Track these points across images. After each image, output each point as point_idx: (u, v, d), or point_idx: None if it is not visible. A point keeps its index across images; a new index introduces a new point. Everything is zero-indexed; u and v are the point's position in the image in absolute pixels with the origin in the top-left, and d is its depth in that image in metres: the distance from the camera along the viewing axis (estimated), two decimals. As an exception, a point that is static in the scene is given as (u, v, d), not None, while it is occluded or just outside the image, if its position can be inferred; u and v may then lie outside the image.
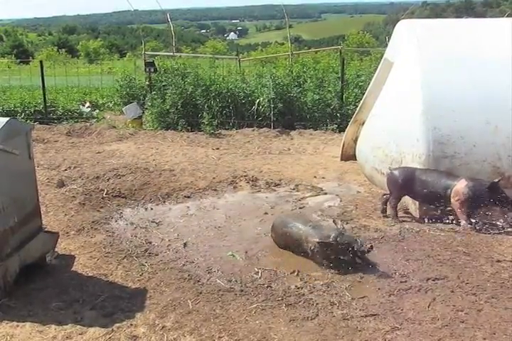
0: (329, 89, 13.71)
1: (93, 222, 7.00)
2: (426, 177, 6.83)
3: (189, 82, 13.54)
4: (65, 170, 9.26)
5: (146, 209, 7.66)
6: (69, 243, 6.29)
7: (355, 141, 9.44)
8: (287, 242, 6.14)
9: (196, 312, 4.83)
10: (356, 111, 10.04)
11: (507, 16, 14.37)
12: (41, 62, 15.18)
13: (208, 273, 5.62)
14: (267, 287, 5.32)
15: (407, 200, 7.33)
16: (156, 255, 6.07)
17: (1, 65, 32.74)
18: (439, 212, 6.87)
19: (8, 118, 5.09)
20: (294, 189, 8.43)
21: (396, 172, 7.08)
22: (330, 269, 5.63)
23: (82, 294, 5.12)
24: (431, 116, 7.07)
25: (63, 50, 60.29)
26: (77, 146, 11.31)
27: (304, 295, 5.15)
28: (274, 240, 6.36)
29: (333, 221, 6.22)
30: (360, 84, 13.56)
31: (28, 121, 13.40)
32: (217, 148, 11.17)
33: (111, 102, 16.88)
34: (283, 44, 46.09)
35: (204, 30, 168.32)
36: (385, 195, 7.35)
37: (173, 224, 7.05)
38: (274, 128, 12.92)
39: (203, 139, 11.96)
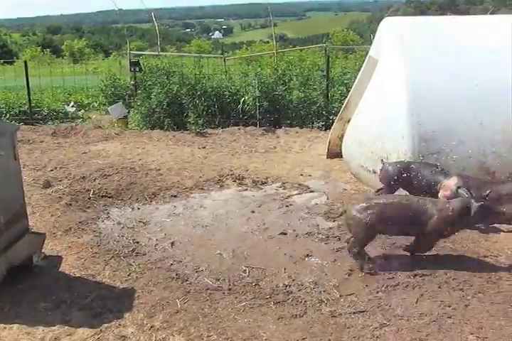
0: (315, 87, 13.73)
1: (80, 222, 6.97)
2: (420, 171, 6.84)
3: (174, 81, 13.52)
4: (51, 170, 9.21)
5: (132, 208, 7.64)
6: (56, 244, 6.27)
7: (341, 138, 9.47)
8: None
9: (185, 312, 4.84)
10: (342, 109, 10.07)
11: (490, 13, 14.47)
12: (25, 62, 15.06)
13: (196, 272, 5.62)
14: (255, 285, 5.33)
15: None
16: (144, 255, 6.06)
17: (-16, 66, 32.53)
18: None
19: (-8, 119, 5.07)
20: (280, 187, 8.43)
21: (390, 167, 7.09)
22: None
23: (70, 295, 5.11)
24: (416, 113, 7.11)
25: (48, 50, 59.85)
26: (62, 147, 11.25)
27: (292, 292, 5.16)
28: None
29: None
30: (345, 81, 13.58)
31: (13, 121, 13.31)
32: (204, 147, 11.15)
33: (96, 102, 16.82)
34: (268, 42, 46.09)
35: (189, 29, 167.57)
36: (379, 190, 7.35)
37: (161, 224, 7.03)
38: (260, 126, 12.94)
39: (189, 138, 11.93)
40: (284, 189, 8.38)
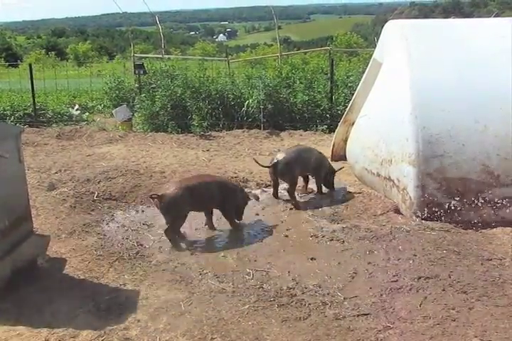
0: (319, 89, 13.77)
1: (84, 224, 6.98)
2: None
3: (178, 84, 13.54)
4: (56, 173, 9.22)
5: (137, 211, 7.65)
6: (60, 246, 6.27)
7: (345, 141, 9.47)
8: None
9: (188, 314, 4.83)
10: (346, 112, 10.07)
11: (494, 16, 14.46)
12: (30, 65, 15.16)
13: (200, 274, 5.62)
14: (259, 288, 5.32)
15: (397, 199, 7.35)
16: (148, 257, 6.06)
17: (-11, 69, 32.63)
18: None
19: (-3, 122, 5.09)
20: (284, 189, 8.43)
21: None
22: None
23: (74, 297, 5.11)
24: (420, 116, 7.09)
25: (52, 52, 59.95)
26: (67, 149, 11.27)
27: (295, 295, 5.16)
28: None
29: None
30: (349, 84, 13.62)
31: (18, 124, 13.34)
32: (208, 150, 11.15)
33: (100, 105, 16.87)
34: (272, 45, 46.20)
35: (193, 32, 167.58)
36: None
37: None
38: (264, 129, 12.95)
39: (193, 141, 11.94)
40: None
